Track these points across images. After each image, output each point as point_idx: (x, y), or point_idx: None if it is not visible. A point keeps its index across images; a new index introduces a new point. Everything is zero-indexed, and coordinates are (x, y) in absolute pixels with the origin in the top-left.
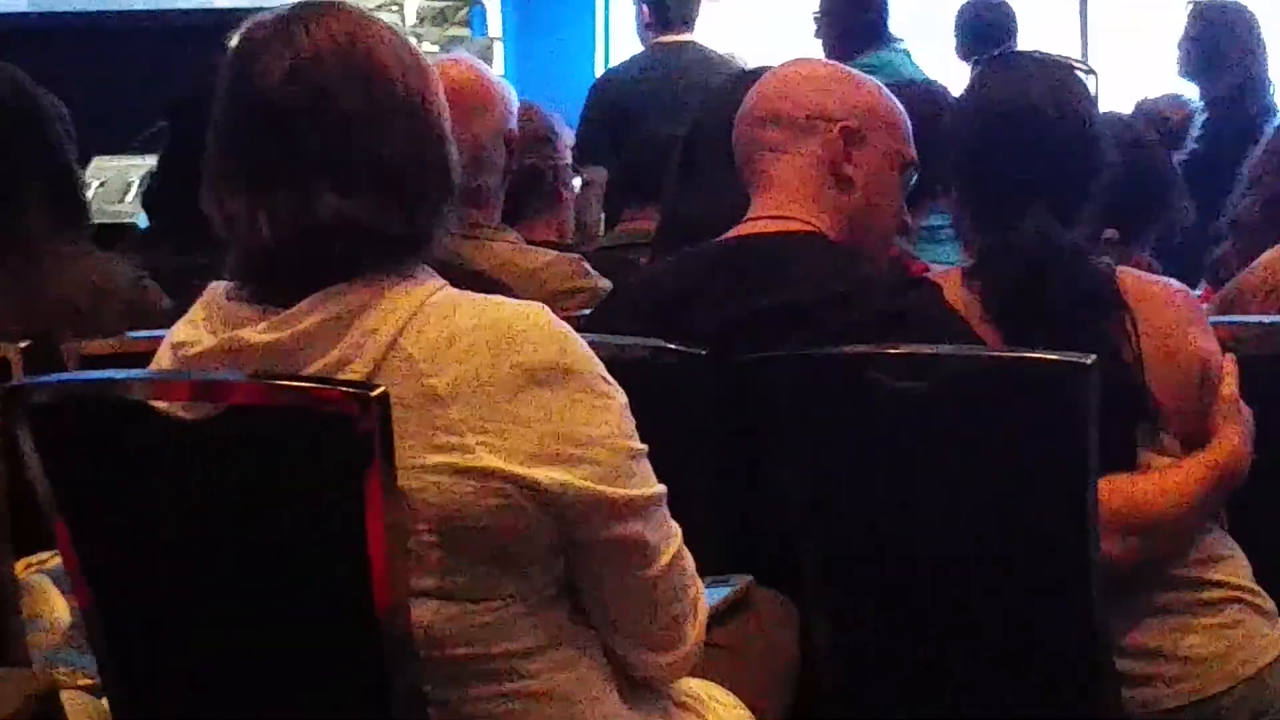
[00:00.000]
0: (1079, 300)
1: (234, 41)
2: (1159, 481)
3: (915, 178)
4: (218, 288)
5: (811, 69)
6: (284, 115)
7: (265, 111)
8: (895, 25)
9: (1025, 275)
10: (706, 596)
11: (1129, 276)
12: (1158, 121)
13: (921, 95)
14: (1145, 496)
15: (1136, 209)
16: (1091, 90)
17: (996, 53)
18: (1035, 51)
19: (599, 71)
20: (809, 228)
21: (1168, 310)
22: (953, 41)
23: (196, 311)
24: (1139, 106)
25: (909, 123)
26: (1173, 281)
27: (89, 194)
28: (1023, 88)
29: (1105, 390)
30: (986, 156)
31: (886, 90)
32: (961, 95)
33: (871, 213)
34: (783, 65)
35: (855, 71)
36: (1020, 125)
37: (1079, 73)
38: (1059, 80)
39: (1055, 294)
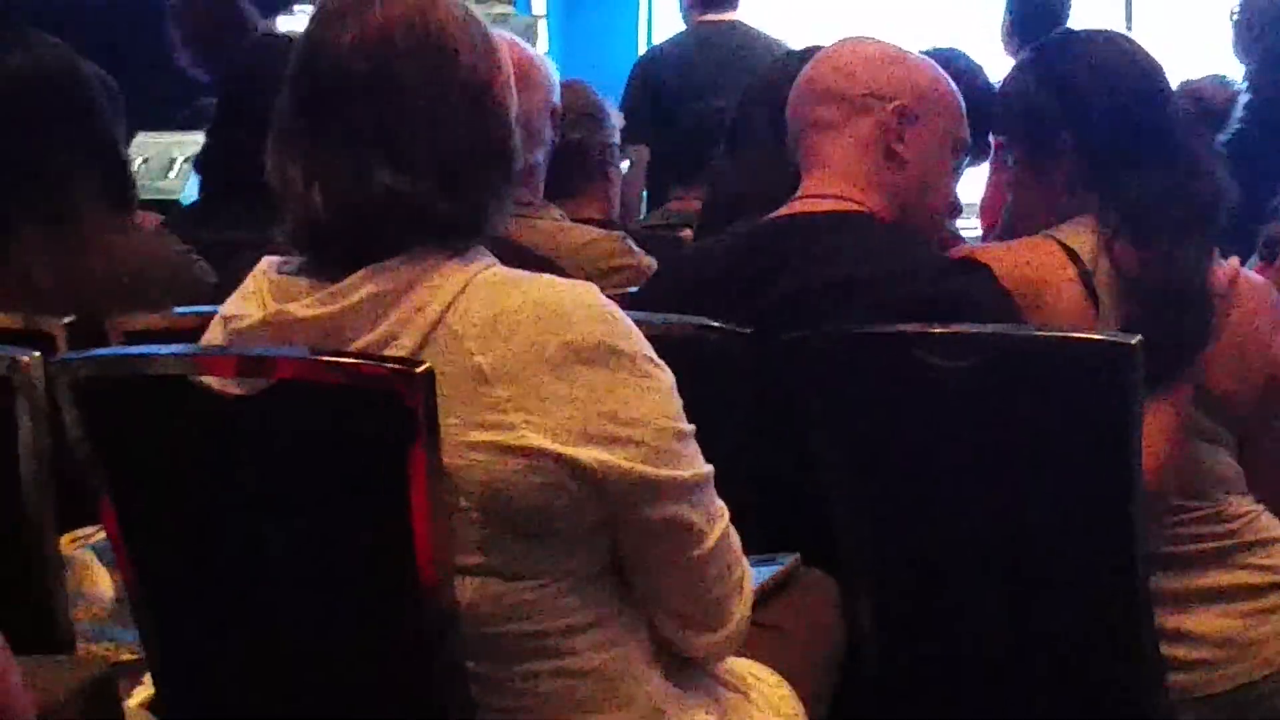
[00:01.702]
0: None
1: (313, 10)
2: None
3: (968, 160)
4: (270, 261)
5: (867, 48)
6: (348, 86)
7: (330, 81)
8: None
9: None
10: (753, 575)
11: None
12: (1199, 102)
13: (942, 62)
14: None
15: None
16: None
17: (1066, 31)
18: (1098, 29)
19: (642, 50)
20: (860, 207)
21: (1252, 305)
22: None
23: (247, 285)
24: (1182, 88)
25: (963, 104)
26: (1258, 279)
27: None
28: (1125, 58)
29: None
30: (1113, 128)
31: (941, 70)
32: (1065, 71)
33: (923, 192)
34: (838, 43)
35: (910, 51)
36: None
37: None
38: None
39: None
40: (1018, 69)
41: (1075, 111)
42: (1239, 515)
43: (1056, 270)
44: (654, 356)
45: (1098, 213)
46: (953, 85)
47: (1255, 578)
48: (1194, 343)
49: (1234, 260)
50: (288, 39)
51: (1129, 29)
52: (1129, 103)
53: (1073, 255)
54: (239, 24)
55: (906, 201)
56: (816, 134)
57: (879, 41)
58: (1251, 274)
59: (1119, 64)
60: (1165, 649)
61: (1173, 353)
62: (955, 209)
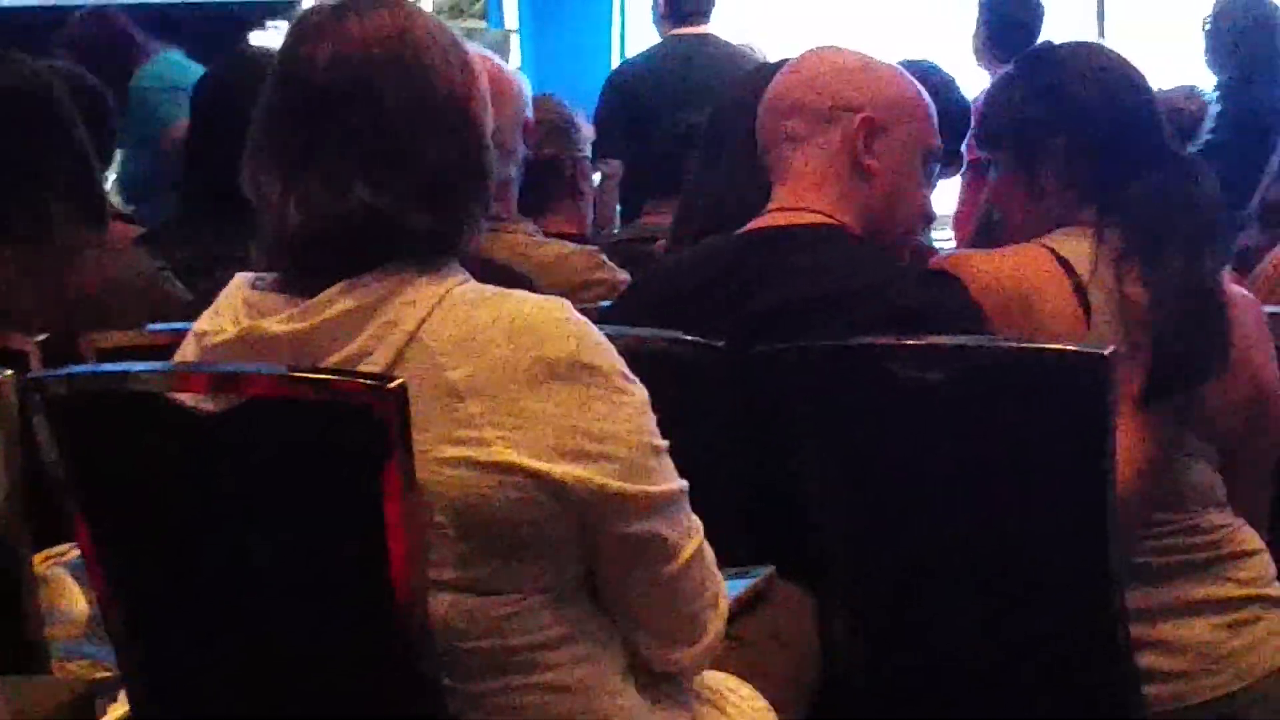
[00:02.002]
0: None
1: (289, 25)
2: None
3: (939, 167)
4: (244, 277)
5: (833, 58)
6: (324, 101)
7: (307, 96)
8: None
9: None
10: (727, 589)
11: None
12: (1171, 113)
13: (916, 75)
14: None
15: None
16: None
17: (1047, 44)
18: (1077, 41)
19: (615, 64)
20: (829, 220)
21: (1244, 320)
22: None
23: (221, 301)
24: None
25: (934, 109)
26: (1248, 294)
27: (107, 184)
28: (1116, 69)
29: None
30: (1110, 134)
31: (910, 77)
32: (1049, 84)
33: (894, 202)
34: (805, 54)
35: (877, 59)
36: (1122, 104)
37: None
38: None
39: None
40: (1004, 80)
41: (1070, 119)
42: (1218, 527)
43: (1048, 279)
44: (627, 372)
45: (1095, 222)
46: (922, 92)
47: (1234, 590)
48: (1211, 358)
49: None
50: (264, 53)
51: (1101, 38)
52: (1123, 109)
53: (1065, 265)
54: (125, 48)
55: (877, 212)
56: (786, 147)
57: (845, 51)
58: (1237, 288)
59: (1109, 72)
60: (1144, 660)
61: (1189, 368)
62: (928, 218)
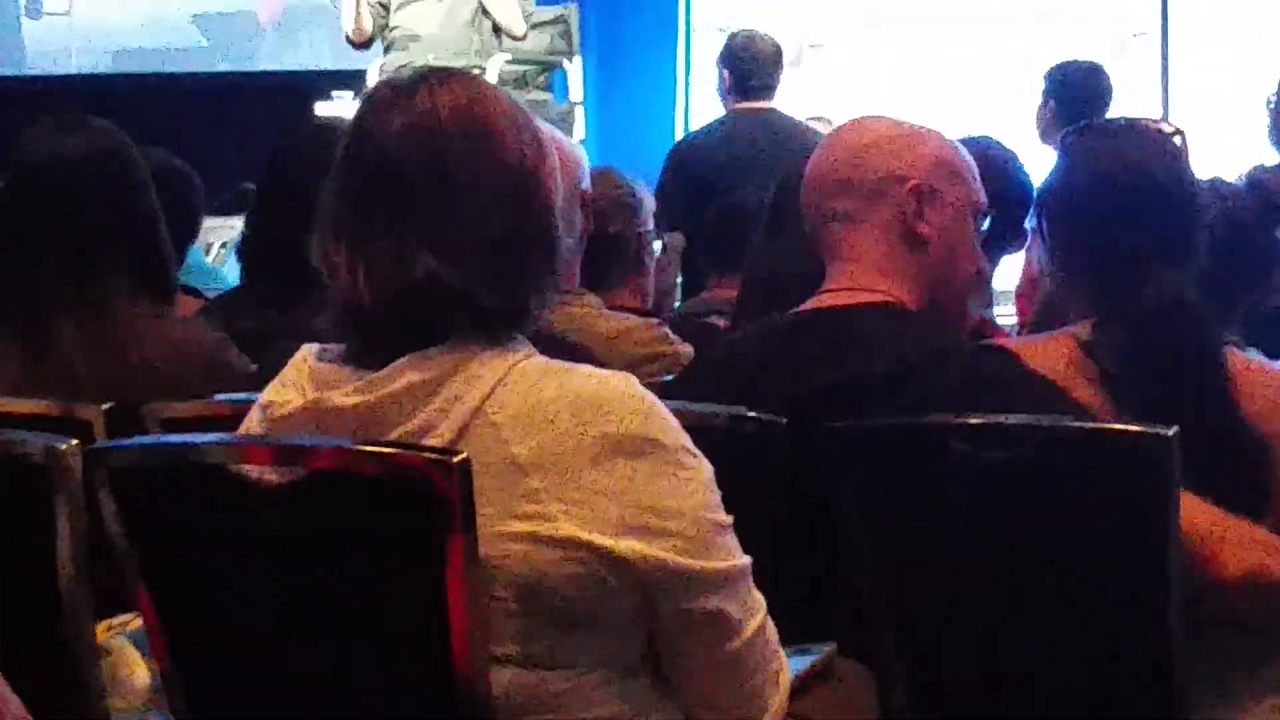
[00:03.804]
0: (1205, 357)
1: (362, 97)
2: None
3: (989, 220)
4: (311, 349)
5: (872, 128)
6: (394, 173)
7: (377, 167)
8: None
9: (1158, 331)
10: (788, 665)
11: (1231, 355)
12: (1265, 194)
13: (976, 151)
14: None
15: (1231, 285)
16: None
17: (1087, 123)
18: (1125, 118)
19: (679, 138)
20: (886, 297)
21: (1267, 391)
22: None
23: (288, 372)
24: (1246, 177)
25: (975, 166)
26: (1272, 364)
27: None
28: (1137, 157)
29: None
30: (1107, 226)
31: (947, 138)
32: (1067, 165)
33: (951, 266)
34: (840, 129)
35: (914, 125)
36: (1140, 195)
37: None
38: (1166, 149)
39: (1184, 352)
40: (1065, 159)
41: (1066, 205)
42: None
43: (1075, 370)
44: (692, 448)
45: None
46: (962, 150)
47: None
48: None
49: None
50: (331, 124)
51: (1165, 120)
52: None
53: (1090, 351)
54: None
55: (935, 278)
56: (836, 226)
57: (880, 119)
58: (1243, 355)
59: (1140, 163)
60: None
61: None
62: (982, 275)
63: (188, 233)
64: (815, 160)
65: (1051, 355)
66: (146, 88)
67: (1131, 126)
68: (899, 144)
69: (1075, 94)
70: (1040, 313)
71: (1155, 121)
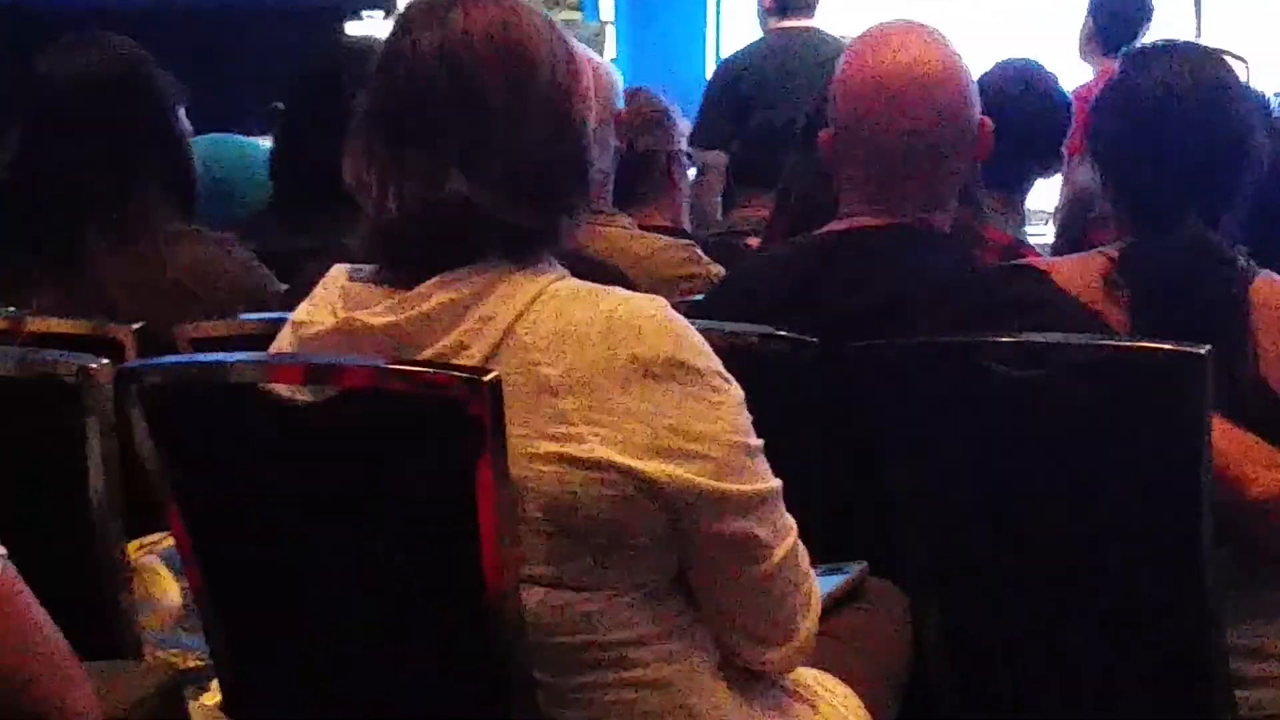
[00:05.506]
0: (1225, 303)
1: (398, 14)
2: None
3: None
4: (342, 268)
5: (925, 59)
6: (427, 91)
7: (410, 85)
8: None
9: (1176, 280)
10: (820, 585)
11: (1266, 282)
12: None
13: (1016, 73)
14: None
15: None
16: (1242, 78)
17: (1144, 44)
18: (1184, 41)
19: (709, 57)
20: (916, 220)
21: None
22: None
23: (319, 292)
24: None
25: (974, 83)
26: None
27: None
28: (1181, 82)
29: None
30: (1142, 153)
31: (954, 49)
32: (1111, 86)
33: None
34: (881, 49)
35: (942, 46)
36: (1177, 121)
37: (1230, 61)
38: (1216, 76)
39: (1202, 299)
40: (1121, 77)
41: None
42: None
43: (1101, 289)
44: (723, 371)
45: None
46: (964, 66)
47: None
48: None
49: None
50: (361, 44)
51: (1197, 37)
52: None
53: (1121, 271)
54: None
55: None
56: (870, 147)
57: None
58: None
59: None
60: (1235, 665)
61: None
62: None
63: None
64: (853, 82)
65: (1084, 274)
66: (176, 7)
67: (1187, 50)
68: (963, 78)
69: (1115, 9)
70: (1063, 232)
71: (1220, 49)
